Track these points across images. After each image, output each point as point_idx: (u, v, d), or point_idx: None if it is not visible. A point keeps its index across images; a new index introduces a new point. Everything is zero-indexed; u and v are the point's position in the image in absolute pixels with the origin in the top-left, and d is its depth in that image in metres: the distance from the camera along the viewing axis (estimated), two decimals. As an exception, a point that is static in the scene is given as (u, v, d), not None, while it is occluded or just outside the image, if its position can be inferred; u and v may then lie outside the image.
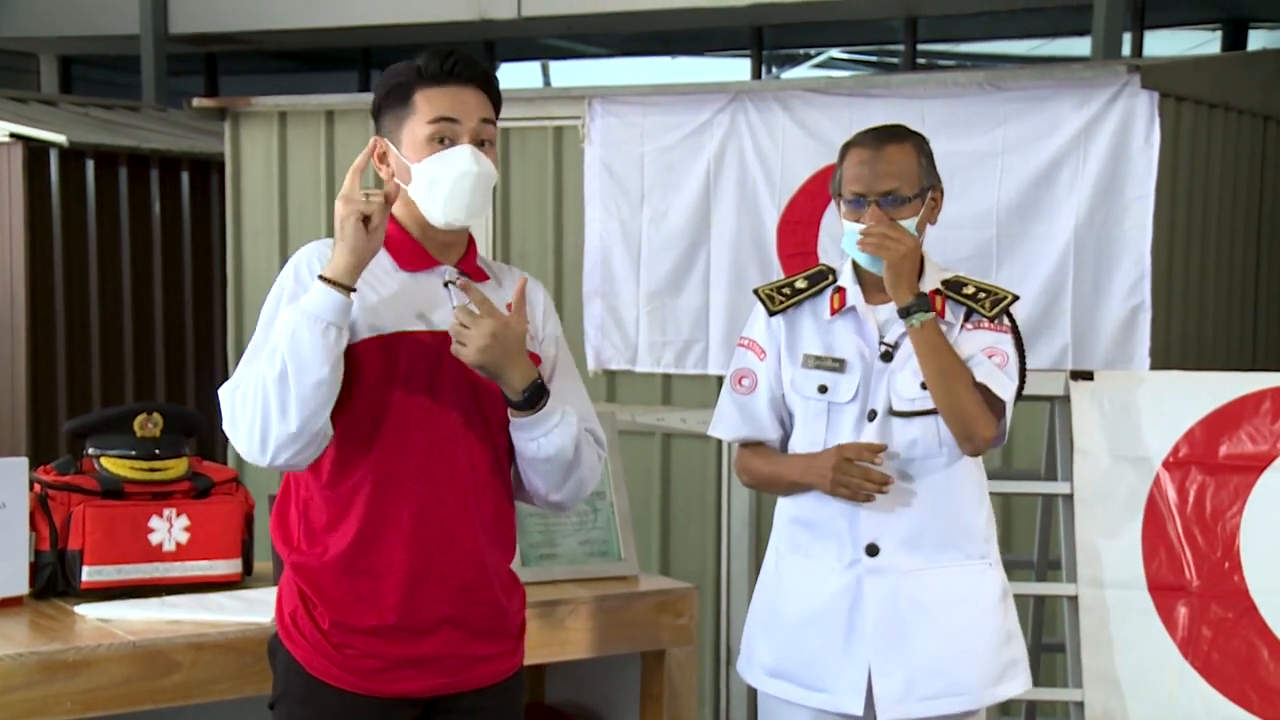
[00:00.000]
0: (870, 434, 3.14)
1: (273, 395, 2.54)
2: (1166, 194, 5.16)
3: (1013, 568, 4.39)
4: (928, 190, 3.17)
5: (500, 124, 2.77)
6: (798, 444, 3.22)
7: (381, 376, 2.64)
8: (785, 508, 3.28)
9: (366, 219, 2.58)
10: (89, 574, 3.21)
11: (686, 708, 3.51)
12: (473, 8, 11.61)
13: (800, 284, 3.27)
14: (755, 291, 3.30)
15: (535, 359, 2.77)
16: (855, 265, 3.21)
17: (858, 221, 3.13)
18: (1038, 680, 4.37)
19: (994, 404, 3.10)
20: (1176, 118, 5.30)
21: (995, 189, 5.18)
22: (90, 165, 7.45)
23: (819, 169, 5.34)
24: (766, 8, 10.94)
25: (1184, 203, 5.47)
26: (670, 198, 5.68)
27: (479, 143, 2.68)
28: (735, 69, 12.71)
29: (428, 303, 2.71)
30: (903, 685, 3.14)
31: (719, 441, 4.74)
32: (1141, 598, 3.92)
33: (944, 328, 3.13)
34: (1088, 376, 4.08)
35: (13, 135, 7.18)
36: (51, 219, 7.30)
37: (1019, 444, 5.02)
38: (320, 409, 2.56)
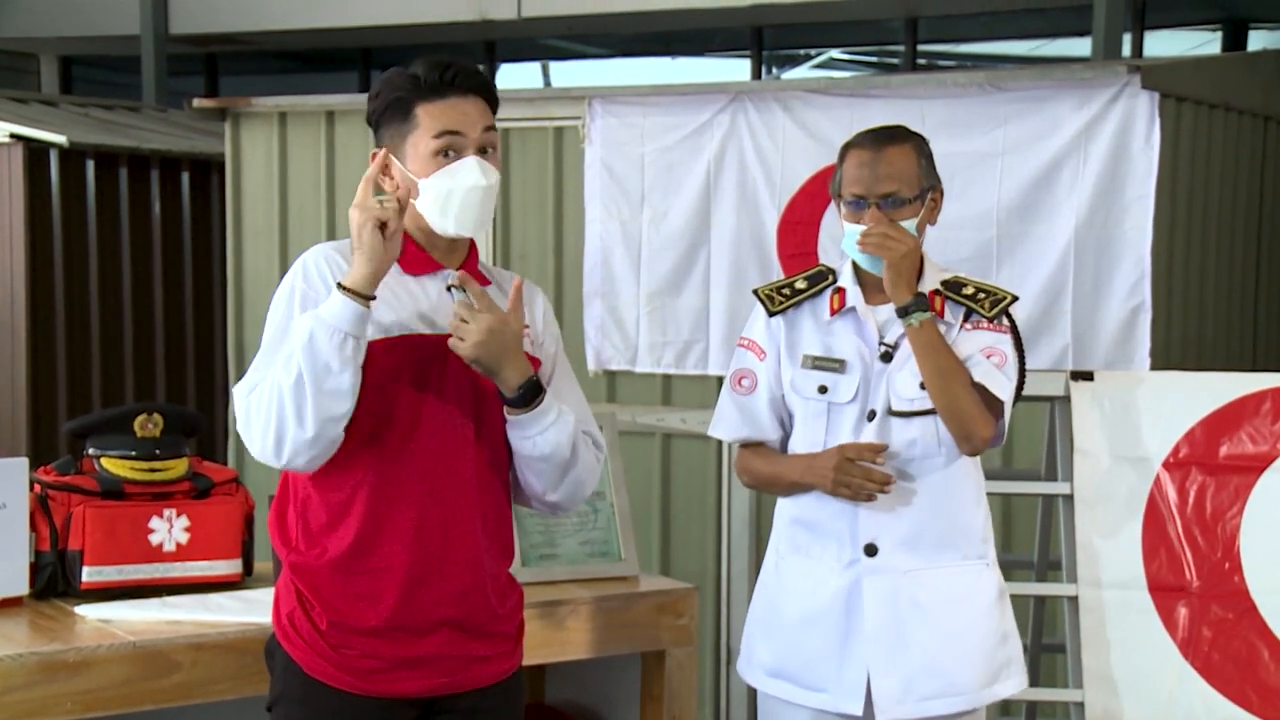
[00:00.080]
0: (869, 434, 3.14)
1: (289, 403, 2.54)
2: (1167, 194, 5.16)
3: (1013, 568, 4.40)
4: (927, 191, 3.17)
5: (500, 124, 2.78)
6: (797, 444, 3.23)
7: (384, 378, 2.64)
8: (785, 508, 3.28)
9: (383, 225, 2.57)
10: (89, 574, 3.21)
11: (686, 708, 3.51)
12: (473, 8, 11.61)
13: (800, 284, 3.27)
14: (755, 292, 3.30)
15: (535, 362, 2.78)
16: (855, 266, 3.21)
17: (858, 223, 3.13)
18: (1038, 681, 4.38)
19: (992, 404, 3.10)
20: (1177, 118, 5.30)
21: (995, 189, 5.18)
22: (90, 165, 7.45)
23: (819, 169, 5.34)
24: (767, 8, 10.94)
25: (1184, 203, 5.47)
26: (670, 198, 5.68)
27: (482, 150, 2.69)
28: (735, 69, 12.70)
29: (430, 306, 2.71)
30: (901, 685, 3.14)
31: (719, 442, 4.74)
32: (1142, 598, 3.92)
33: (943, 328, 3.14)
34: (1088, 377, 4.08)
35: (13, 136, 7.18)
36: (52, 219, 7.30)
37: (1019, 444, 5.03)
38: (338, 416, 2.57)
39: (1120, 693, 3.88)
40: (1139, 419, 4.01)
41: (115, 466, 3.30)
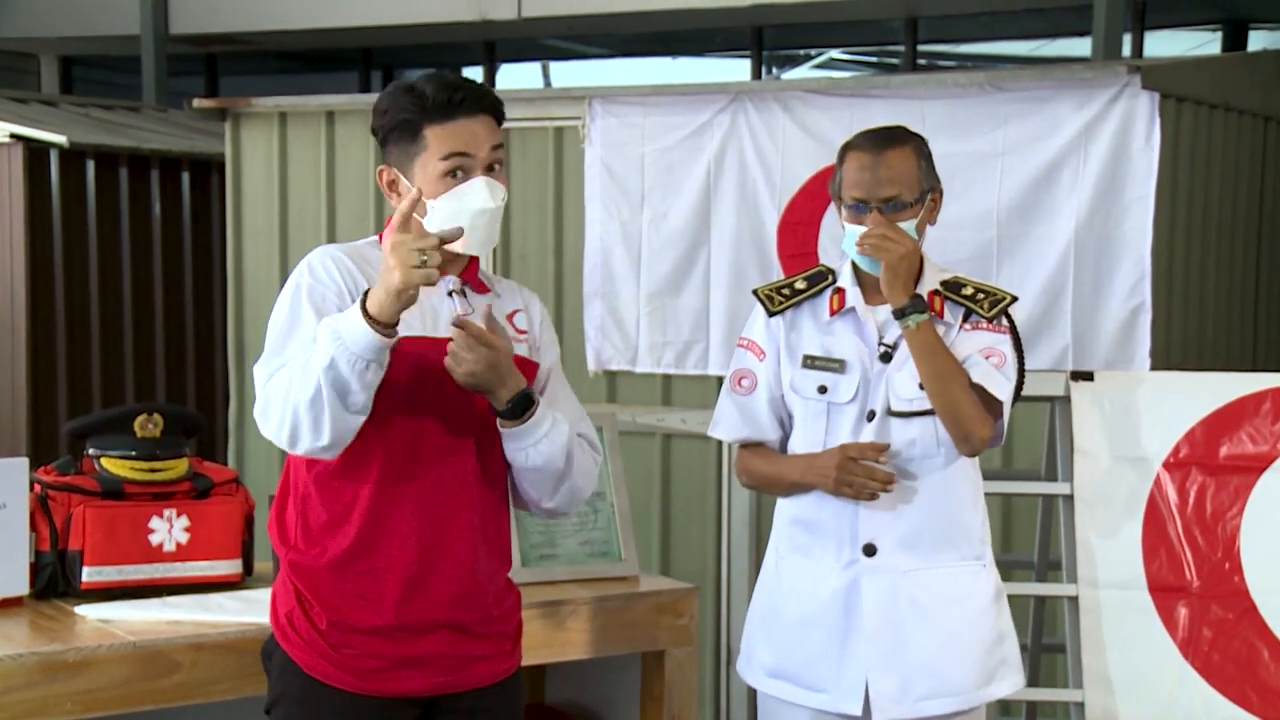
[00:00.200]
0: (869, 434, 3.14)
1: (305, 414, 2.54)
2: (1167, 195, 5.16)
3: (1013, 568, 4.40)
4: (927, 193, 3.17)
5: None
6: (797, 444, 3.23)
7: (386, 381, 2.64)
8: (785, 508, 3.28)
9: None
10: (89, 574, 3.21)
11: (686, 708, 3.51)
12: (473, 8, 11.60)
13: (800, 284, 3.27)
14: (755, 292, 3.30)
15: (533, 367, 2.78)
16: (854, 266, 3.21)
17: (859, 224, 3.13)
18: (1038, 681, 4.38)
19: (991, 404, 3.11)
20: (1177, 118, 5.30)
21: (995, 190, 5.18)
22: (91, 166, 7.45)
23: (819, 170, 5.34)
24: (767, 8, 10.93)
25: (1184, 203, 5.47)
26: (670, 198, 5.68)
27: (490, 168, 2.69)
28: (735, 69, 12.70)
29: (432, 312, 2.71)
30: (899, 685, 3.14)
31: (719, 442, 4.74)
32: (1142, 598, 3.92)
33: (942, 329, 3.14)
34: (1088, 377, 4.08)
35: (13, 136, 7.19)
36: (52, 219, 7.30)
37: (1019, 444, 5.03)
38: (354, 428, 2.58)
39: (1120, 693, 3.88)
40: (1139, 419, 4.01)
41: (115, 467, 3.30)
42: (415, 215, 2.70)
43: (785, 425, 3.26)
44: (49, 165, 7.29)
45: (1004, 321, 3.18)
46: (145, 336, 7.65)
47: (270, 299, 2.77)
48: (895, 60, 12.31)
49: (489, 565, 2.78)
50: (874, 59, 13.09)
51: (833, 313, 3.22)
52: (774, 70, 12.80)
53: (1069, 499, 4.03)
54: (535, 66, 13.93)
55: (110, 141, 7.59)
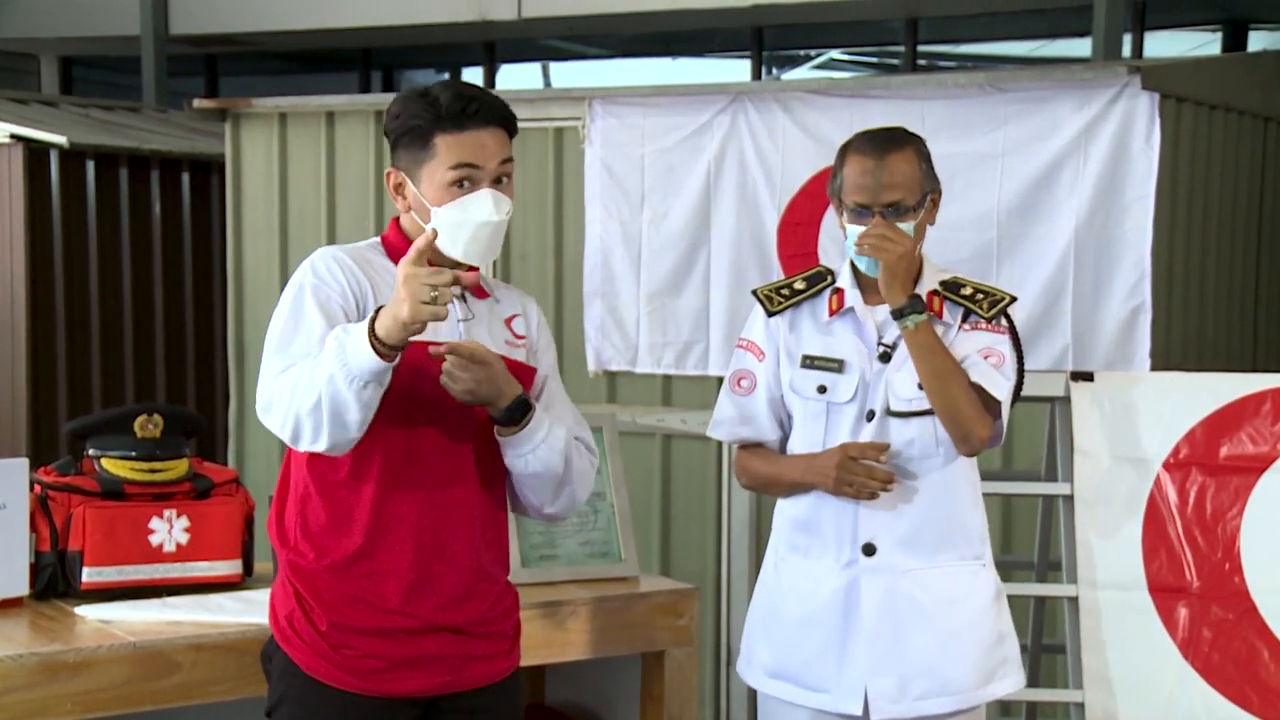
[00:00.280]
0: (868, 434, 3.14)
1: (305, 420, 2.55)
2: (1167, 195, 5.16)
3: (1013, 569, 4.40)
4: (928, 194, 3.17)
5: (501, 125, 2.78)
6: (796, 444, 3.23)
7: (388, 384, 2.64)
8: (784, 509, 3.28)
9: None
10: (89, 575, 3.21)
11: (686, 709, 3.51)
12: (473, 8, 11.60)
13: (799, 285, 3.27)
14: (754, 292, 3.30)
15: (530, 372, 2.78)
16: (853, 266, 3.21)
17: (862, 227, 3.13)
18: (1038, 681, 4.38)
19: (989, 404, 3.11)
20: (1177, 119, 5.30)
21: (995, 190, 5.18)
22: (91, 166, 7.45)
23: (819, 170, 5.34)
24: (767, 9, 10.93)
25: (1184, 204, 5.47)
26: (670, 199, 5.68)
27: (498, 180, 2.69)
28: (736, 70, 12.70)
29: None
30: (897, 685, 3.14)
31: (719, 442, 4.74)
32: (1142, 599, 3.92)
33: (941, 329, 3.14)
34: (1088, 377, 4.08)
35: (13, 136, 7.19)
36: (52, 220, 7.30)
37: (1019, 445, 5.02)
38: (354, 437, 2.58)
39: (1120, 693, 3.88)
40: (1139, 419, 4.01)
41: (115, 467, 3.30)
42: (415, 214, 2.70)
43: (784, 426, 3.26)
44: (49, 166, 7.29)
45: (1003, 322, 3.18)
46: (145, 336, 7.65)
47: (270, 299, 2.78)
48: (895, 61, 12.31)
49: (488, 566, 2.78)
50: (874, 59, 13.09)
51: (832, 313, 3.22)
52: (774, 71, 12.80)
53: (1069, 499, 4.03)
54: (535, 67, 13.93)
55: (110, 142, 7.60)
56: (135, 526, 3.26)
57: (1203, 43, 11.45)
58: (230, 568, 3.36)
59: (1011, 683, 3.25)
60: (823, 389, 3.17)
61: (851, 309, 3.20)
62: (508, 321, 2.83)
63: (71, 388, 7.36)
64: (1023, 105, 5.17)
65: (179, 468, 3.36)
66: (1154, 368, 5.00)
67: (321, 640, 2.69)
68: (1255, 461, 3.94)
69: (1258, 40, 11.18)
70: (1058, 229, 5.12)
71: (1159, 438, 3.99)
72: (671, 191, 5.67)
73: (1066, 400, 4.06)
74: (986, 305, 3.17)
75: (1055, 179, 5.12)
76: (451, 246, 2.67)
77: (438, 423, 2.70)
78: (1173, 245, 5.36)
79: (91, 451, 3.34)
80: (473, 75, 13.49)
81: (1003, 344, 3.15)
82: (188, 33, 12.54)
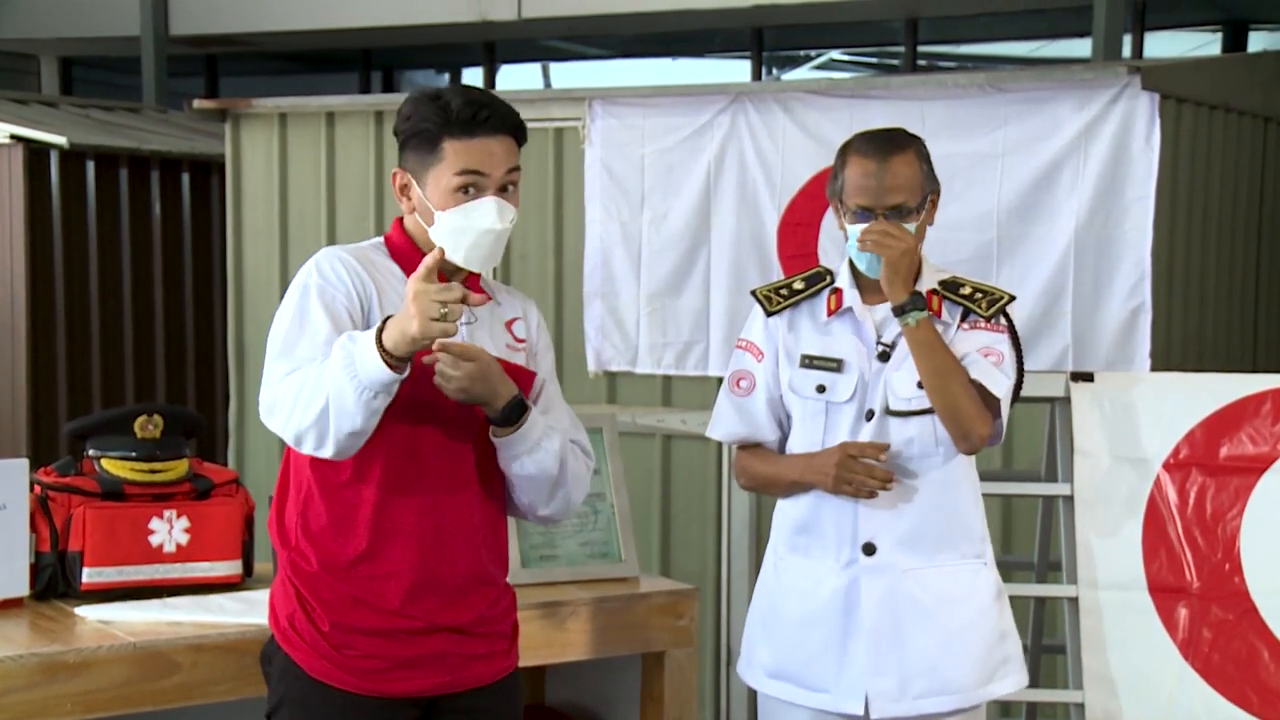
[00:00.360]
0: (867, 434, 3.14)
1: (310, 426, 2.55)
2: (1167, 195, 5.16)
3: (1013, 569, 4.40)
4: (928, 195, 3.17)
5: (501, 125, 2.78)
6: (795, 444, 3.23)
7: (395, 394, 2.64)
8: (784, 509, 3.28)
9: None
10: (89, 575, 3.21)
11: (687, 709, 3.51)
12: (473, 9, 11.60)
13: (798, 285, 3.27)
14: (753, 293, 3.31)
15: (530, 375, 2.78)
16: (853, 266, 3.21)
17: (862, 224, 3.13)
18: (1038, 682, 4.37)
19: (989, 402, 3.11)
20: (1177, 119, 5.30)
21: (996, 191, 5.19)
22: (91, 166, 7.45)
23: (819, 170, 5.34)
24: (767, 9, 10.93)
25: (1184, 204, 5.47)
26: (670, 199, 5.68)
27: (504, 188, 2.69)
28: (736, 70, 12.69)
29: None
30: (897, 684, 3.14)
31: (719, 443, 4.74)
32: (1142, 599, 3.92)
33: (940, 328, 3.14)
34: (1088, 378, 4.08)
35: (13, 137, 7.19)
36: (52, 220, 7.31)
37: (1019, 445, 5.03)
38: (358, 445, 2.59)
39: (1120, 694, 3.88)
40: (1139, 420, 4.01)
41: (115, 467, 3.30)
42: (419, 216, 2.70)
43: (784, 426, 3.26)
44: (49, 166, 7.29)
45: (1002, 321, 3.18)
46: (145, 336, 7.65)
47: (270, 299, 2.78)
48: (895, 61, 12.31)
49: (488, 568, 2.79)
50: (874, 60, 13.09)
51: (830, 313, 3.22)
52: (774, 71, 12.79)
53: (1069, 500, 4.03)
54: (535, 67, 13.92)
55: (110, 142, 7.60)
56: (135, 527, 3.26)
57: (1203, 43, 11.45)
58: (230, 568, 3.36)
59: (1013, 682, 3.25)
60: (821, 388, 3.17)
61: (850, 309, 3.20)
62: (508, 325, 2.83)
63: (71, 388, 7.36)
64: (1023, 105, 5.17)
65: (179, 468, 3.36)
66: (1154, 368, 5.00)
67: (323, 641, 2.69)
68: (1255, 462, 3.94)
69: (1258, 40, 11.17)
70: (1058, 229, 5.13)
71: (1159, 438, 3.99)
72: (671, 192, 5.68)
73: (1066, 400, 4.06)
74: (986, 304, 3.17)
75: (1055, 179, 5.13)
76: (453, 252, 2.67)
77: (439, 426, 2.70)
78: (1173, 245, 5.36)
79: (91, 452, 3.34)
80: (473, 76, 13.49)
81: (1002, 343, 3.15)
82: (188, 33, 12.54)
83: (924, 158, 3.17)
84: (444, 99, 2.67)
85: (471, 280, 2.77)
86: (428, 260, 2.53)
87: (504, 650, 2.83)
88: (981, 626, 3.19)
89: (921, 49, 11.94)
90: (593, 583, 3.54)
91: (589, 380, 5.81)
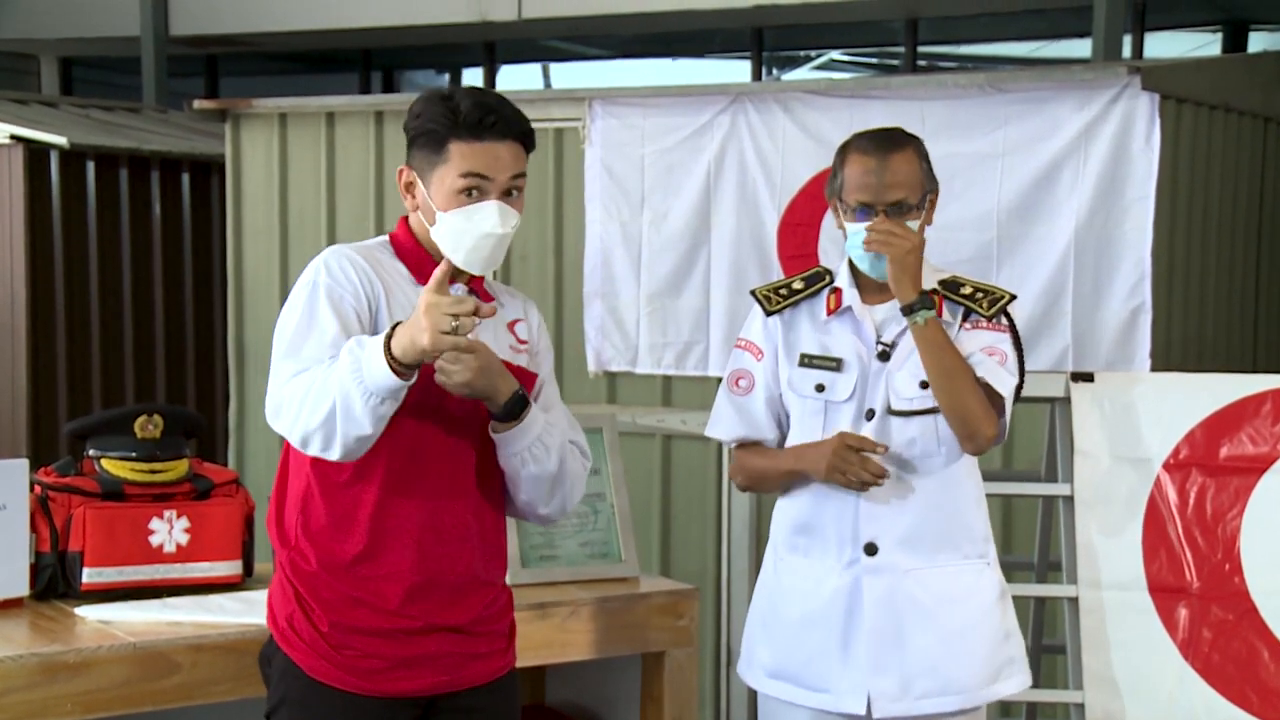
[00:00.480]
0: (869, 433, 3.14)
1: (316, 430, 2.55)
2: (1167, 195, 5.16)
3: (1013, 569, 4.39)
4: (927, 194, 3.18)
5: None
6: (794, 443, 3.22)
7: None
8: (784, 509, 3.28)
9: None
10: (89, 575, 3.21)
11: (687, 709, 3.51)
12: (473, 9, 11.60)
13: (797, 285, 3.27)
14: (752, 293, 3.31)
15: (531, 377, 2.78)
16: (852, 265, 3.21)
17: (863, 224, 3.13)
18: (1038, 682, 4.37)
19: (994, 401, 3.11)
20: (1177, 119, 5.30)
21: (996, 191, 5.19)
22: (91, 167, 7.45)
23: (819, 171, 5.34)
24: (767, 10, 10.93)
25: (1184, 204, 5.47)
26: (670, 199, 5.68)
27: (508, 192, 2.69)
28: (736, 71, 12.69)
29: None
30: (898, 684, 3.14)
31: (719, 443, 4.74)
32: (1142, 599, 3.92)
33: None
34: (1088, 378, 4.08)
35: (13, 137, 7.19)
36: (52, 220, 7.31)
37: (1019, 445, 5.02)
38: (364, 448, 2.58)
39: (1120, 694, 3.88)
40: (1139, 420, 4.01)
41: (115, 468, 3.30)
42: (422, 214, 2.70)
43: (783, 425, 3.26)
44: (49, 166, 7.29)
45: (1003, 320, 3.18)
46: (145, 336, 7.65)
47: (270, 299, 2.78)
48: (895, 61, 12.31)
49: (487, 568, 2.79)
50: (874, 60, 13.09)
51: (829, 312, 3.22)
52: (774, 71, 12.79)
53: (1069, 500, 4.03)
54: (535, 67, 13.92)
55: (110, 142, 7.60)
56: (135, 527, 3.26)
57: (1203, 43, 11.45)
58: (230, 568, 3.36)
59: (1017, 682, 3.25)
60: (820, 388, 3.17)
61: (849, 308, 3.20)
62: (510, 326, 2.83)
63: (71, 388, 7.36)
64: (1023, 106, 5.17)
65: (179, 468, 3.36)
66: (1154, 368, 5.00)
67: (322, 641, 2.69)
68: (1255, 462, 3.94)
69: (1258, 41, 11.17)
70: (1058, 229, 5.13)
71: (1159, 438, 3.99)
72: (671, 192, 5.68)
73: (1066, 401, 4.06)
74: (987, 304, 3.17)
75: (1055, 179, 5.13)
76: (453, 253, 2.67)
77: (443, 428, 2.70)
78: (1173, 245, 5.36)
79: (91, 452, 3.34)
80: (473, 76, 13.49)
81: (1005, 342, 3.16)
82: (188, 33, 12.54)
83: (923, 156, 3.18)
84: (454, 100, 2.67)
85: (475, 281, 2.77)
86: (438, 273, 2.53)
87: (501, 649, 2.83)
88: (984, 627, 3.19)
89: (921, 49, 11.94)
90: (593, 583, 3.54)
91: (589, 380, 5.81)
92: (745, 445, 3.29)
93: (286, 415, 2.59)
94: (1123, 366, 5.02)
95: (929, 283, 3.17)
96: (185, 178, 7.78)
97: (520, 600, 2.93)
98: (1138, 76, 5.02)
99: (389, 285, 2.70)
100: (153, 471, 3.32)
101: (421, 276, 2.71)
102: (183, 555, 3.30)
